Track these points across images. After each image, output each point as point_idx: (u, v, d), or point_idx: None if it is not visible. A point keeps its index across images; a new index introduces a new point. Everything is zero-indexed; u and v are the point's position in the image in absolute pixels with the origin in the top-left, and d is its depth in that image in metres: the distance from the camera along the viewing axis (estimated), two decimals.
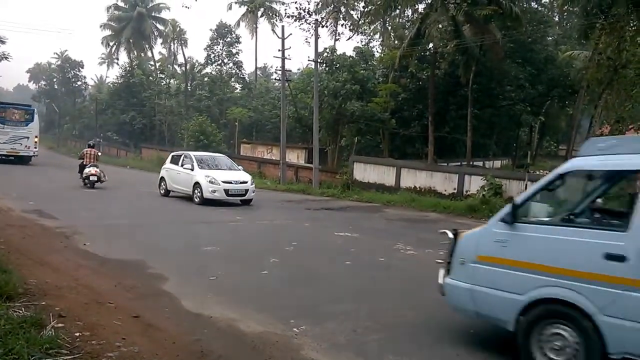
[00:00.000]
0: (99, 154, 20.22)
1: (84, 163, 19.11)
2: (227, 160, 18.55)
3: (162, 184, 17.72)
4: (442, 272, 5.17)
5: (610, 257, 3.93)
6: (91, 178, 18.38)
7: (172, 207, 15.62)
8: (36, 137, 28.67)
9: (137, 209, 14.74)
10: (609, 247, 3.96)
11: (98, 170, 18.63)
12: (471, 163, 26.18)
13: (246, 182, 16.28)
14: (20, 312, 4.77)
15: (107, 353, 4.16)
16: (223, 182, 15.65)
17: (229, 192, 15.72)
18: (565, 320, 4.17)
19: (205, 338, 4.75)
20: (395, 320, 5.64)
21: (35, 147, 28.49)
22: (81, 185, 18.78)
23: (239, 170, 17.63)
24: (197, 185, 15.78)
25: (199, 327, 5.03)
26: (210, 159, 17.74)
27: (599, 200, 5.09)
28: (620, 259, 3.87)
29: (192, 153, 18.10)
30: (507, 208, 4.64)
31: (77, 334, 4.48)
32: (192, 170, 16.23)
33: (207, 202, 15.41)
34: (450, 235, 5.16)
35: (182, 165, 16.82)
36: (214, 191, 15.53)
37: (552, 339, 4.23)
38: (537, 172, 22.23)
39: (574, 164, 4.71)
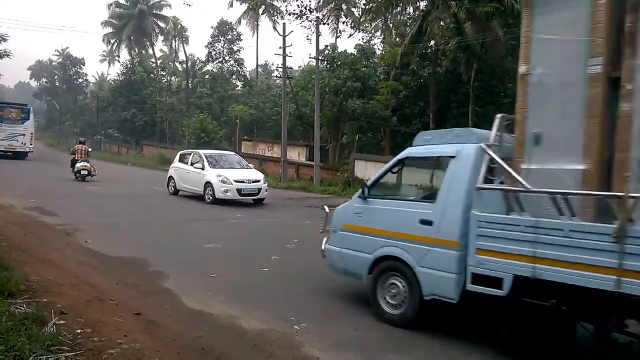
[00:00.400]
0: (90, 150, 21.41)
1: (76, 158, 20.46)
2: (238, 159, 18.13)
3: (171, 183, 17.47)
4: (324, 240, 6.46)
5: (423, 222, 5.21)
6: (82, 172, 19.81)
7: (177, 206, 15.65)
8: (32, 134, 30.37)
9: (139, 207, 14.75)
10: (422, 215, 5.23)
11: (89, 165, 20.06)
12: None
13: (259, 181, 15.90)
14: (22, 309, 4.78)
15: (109, 350, 4.16)
16: (236, 181, 15.25)
17: (242, 192, 15.30)
18: (397, 272, 5.42)
19: (207, 335, 4.76)
20: None
21: (32, 144, 30.19)
22: (73, 179, 20.00)
23: (250, 168, 17.29)
24: (208, 185, 15.42)
25: (200, 325, 5.05)
26: (220, 158, 17.31)
27: (421, 179, 6.47)
28: (430, 223, 5.14)
29: (201, 152, 17.63)
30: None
31: (79, 331, 4.49)
32: (203, 169, 15.90)
33: (219, 202, 15.08)
34: (327, 210, 6.80)
35: (192, 165, 16.52)
36: (227, 191, 15.11)
37: (390, 288, 5.49)
38: None
39: (408, 152, 5.98)
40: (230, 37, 46.65)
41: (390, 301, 5.49)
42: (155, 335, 4.66)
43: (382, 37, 39.85)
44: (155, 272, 7.13)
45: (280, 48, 26.93)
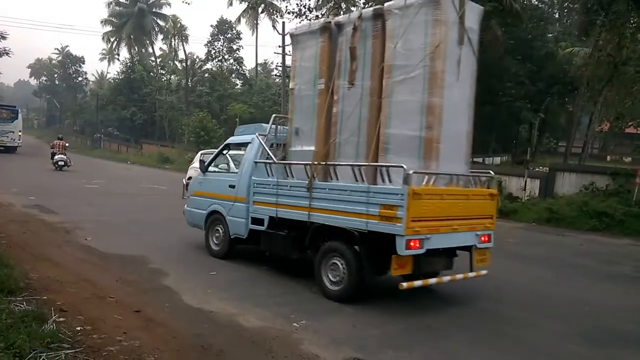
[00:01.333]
0: (67, 144, 25.65)
1: (55, 152, 24.38)
2: None
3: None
4: (185, 205, 9.18)
5: (230, 186, 7.92)
6: (59, 163, 23.77)
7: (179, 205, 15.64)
8: (20, 131, 35.60)
9: (138, 205, 14.76)
10: (230, 182, 7.99)
11: (65, 157, 24.13)
12: (471, 159, 26.17)
13: None
14: (22, 306, 4.80)
15: (108, 347, 4.19)
16: None
17: None
18: (219, 222, 8.17)
19: (206, 333, 4.78)
20: (393, 315, 5.67)
21: (20, 140, 35.45)
22: (52, 169, 23.51)
23: None
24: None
25: (199, 322, 5.07)
26: None
27: (234, 158, 9.18)
28: (233, 187, 7.86)
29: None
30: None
31: (79, 328, 4.52)
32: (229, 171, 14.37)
33: None
34: (184, 182, 10.27)
35: (216, 166, 15.34)
36: None
37: (215, 233, 8.28)
38: (537, 169, 22.27)
39: (229, 139, 9.01)
40: (229, 35, 46.50)
41: (215, 241, 8.28)
42: (155, 333, 4.69)
43: None
44: (154, 270, 7.15)
45: (279, 47, 27.03)
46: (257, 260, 8.12)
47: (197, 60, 51.71)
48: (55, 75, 74.51)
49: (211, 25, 46.69)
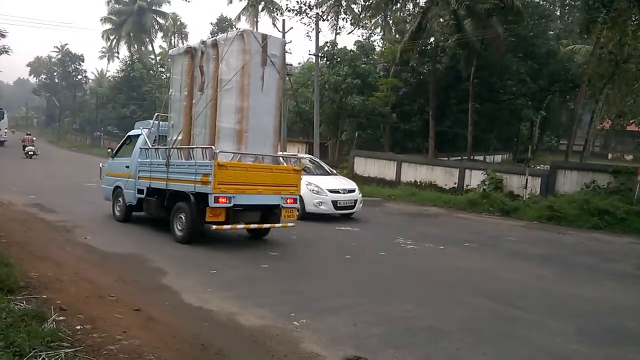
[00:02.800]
0: (34, 138, 34.32)
1: (25, 144, 32.17)
2: (319, 163, 15.11)
3: None
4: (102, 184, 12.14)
5: (126, 167, 10.75)
6: (29, 152, 31.47)
7: None
8: (6, 129, 45.31)
9: None
10: (126, 163, 10.81)
11: (33, 148, 32.08)
12: (472, 157, 26.18)
13: (354, 191, 13.36)
14: (22, 305, 4.78)
15: (108, 346, 4.18)
16: (329, 191, 12.72)
17: (338, 205, 12.72)
18: (119, 194, 10.96)
19: (206, 332, 4.77)
20: (395, 314, 5.66)
21: (5, 136, 44.19)
22: (22, 157, 30.84)
23: (335, 174, 14.66)
24: None
25: (199, 321, 5.05)
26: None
27: (132, 146, 11.17)
28: (128, 167, 10.67)
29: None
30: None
31: (79, 327, 4.50)
32: None
33: (308, 217, 12.33)
34: (101, 165, 12.61)
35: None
36: (320, 203, 12.52)
37: (117, 203, 11.10)
38: (538, 167, 22.25)
39: (130, 132, 11.60)
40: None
41: (117, 209, 11.15)
42: (155, 331, 4.67)
43: (381, 34, 39.78)
44: (154, 268, 7.14)
45: None
46: (256, 259, 8.11)
47: None
48: (55, 74, 74.52)
49: (211, 23, 46.73)
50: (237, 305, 5.61)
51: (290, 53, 32.76)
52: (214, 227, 8.44)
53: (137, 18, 54.66)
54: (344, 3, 38.61)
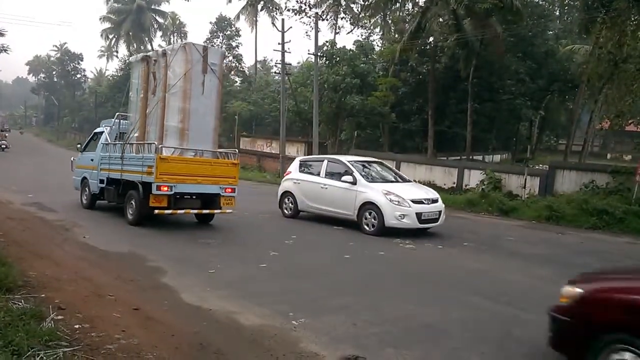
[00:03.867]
0: (7, 135, 40.80)
1: None
2: (390, 169, 13.77)
3: (288, 200, 13.14)
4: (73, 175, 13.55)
5: (91, 160, 12.29)
6: (1, 146, 36.84)
7: None
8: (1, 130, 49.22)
9: None
10: (91, 157, 12.39)
11: (5, 142, 37.86)
12: (471, 157, 26.19)
13: (437, 201, 11.66)
14: (20, 304, 4.78)
15: (107, 345, 4.17)
16: (412, 201, 10.96)
17: (422, 217, 10.99)
18: (86, 184, 12.54)
19: (205, 331, 4.76)
20: (394, 314, 5.66)
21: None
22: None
23: (410, 181, 13.16)
24: (369, 206, 11.10)
25: (198, 320, 5.05)
26: (370, 167, 12.72)
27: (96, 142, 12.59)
28: (93, 160, 12.17)
29: (341, 157, 13.18)
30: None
31: (77, 326, 4.50)
32: (355, 183, 11.44)
33: (386, 231, 10.78)
34: (72, 159, 13.90)
35: (327, 176, 12.30)
36: (403, 216, 10.76)
37: (85, 191, 12.62)
38: (537, 167, 22.26)
39: (96, 130, 13.11)
40: (228, 32, 46.47)
41: (84, 198, 12.60)
42: (153, 331, 4.67)
43: (380, 33, 39.79)
44: (153, 268, 7.13)
45: (279, 44, 26.89)
46: (255, 259, 8.11)
47: None
48: (54, 72, 74.46)
49: (210, 22, 46.67)
50: (236, 304, 5.60)
51: (290, 52, 32.76)
52: (156, 211, 9.86)
53: (136, 17, 54.64)
54: (343, 3, 38.63)
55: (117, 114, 12.19)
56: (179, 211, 10.25)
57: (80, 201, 12.79)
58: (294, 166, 13.61)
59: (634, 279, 4.32)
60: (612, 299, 3.85)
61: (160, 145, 9.69)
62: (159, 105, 10.24)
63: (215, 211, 10.75)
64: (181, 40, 52.38)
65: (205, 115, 10.36)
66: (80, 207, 12.64)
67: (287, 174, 13.81)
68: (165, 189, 9.59)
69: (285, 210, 13.18)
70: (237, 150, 11.79)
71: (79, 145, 14.01)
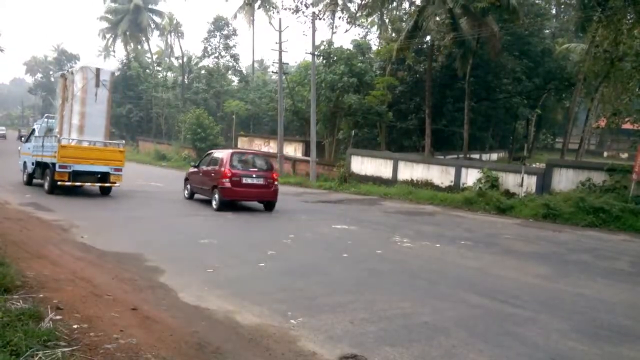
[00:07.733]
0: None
1: None
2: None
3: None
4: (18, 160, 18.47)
5: (28, 148, 17.23)
6: None
7: (179, 205, 15.60)
8: None
9: (134, 203, 14.73)
10: (29, 146, 17.17)
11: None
12: (468, 156, 26.23)
13: None
14: (18, 304, 4.78)
15: (105, 345, 4.18)
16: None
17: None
18: (25, 167, 17.28)
19: (203, 330, 4.77)
20: (391, 312, 5.68)
21: None
22: None
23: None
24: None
25: (196, 320, 5.06)
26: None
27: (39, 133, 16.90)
28: (29, 149, 17.00)
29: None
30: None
31: (75, 326, 4.50)
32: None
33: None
34: (18, 148, 18.89)
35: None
36: None
37: (25, 170, 17.34)
38: (534, 165, 22.31)
39: (34, 125, 18.81)
40: (225, 32, 46.37)
41: (25, 178, 17.17)
42: (152, 330, 4.67)
43: (377, 32, 39.84)
44: (151, 267, 7.13)
45: (276, 43, 26.90)
46: (253, 258, 8.12)
47: (194, 57, 51.59)
48: (51, 72, 74.17)
49: (207, 22, 46.64)
50: (234, 303, 5.61)
51: (287, 52, 32.72)
52: (59, 183, 14.20)
53: (133, 17, 54.49)
54: (340, 2, 38.55)
55: (45, 115, 17.82)
56: (76, 183, 14.62)
57: (22, 179, 17.26)
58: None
59: None
60: None
61: (61, 137, 14.31)
62: (68, 109, 14.80)
63: (106, 184, 15.20)
64: (178, 41, 52.36)
65: (97, 116, 15.03)
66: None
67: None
68: (65, 167, 14.07)
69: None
70: (123, 142, 16.75)
71: (22, 138, 19.96)
